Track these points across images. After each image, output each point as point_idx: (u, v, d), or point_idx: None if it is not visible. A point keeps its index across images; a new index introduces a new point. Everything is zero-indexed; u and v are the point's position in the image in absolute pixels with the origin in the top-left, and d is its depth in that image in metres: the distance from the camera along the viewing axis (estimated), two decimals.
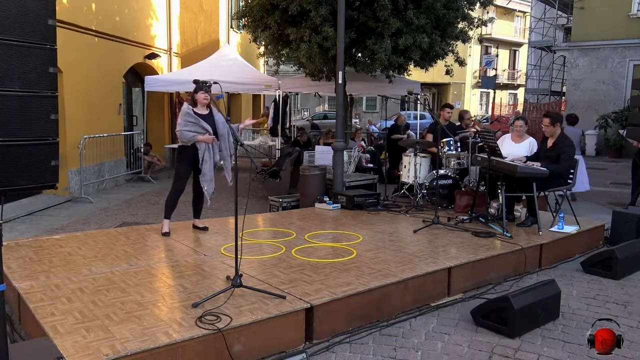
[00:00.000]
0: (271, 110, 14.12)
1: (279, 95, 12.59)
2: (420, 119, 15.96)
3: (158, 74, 12.80)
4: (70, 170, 9.16)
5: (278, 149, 11.82)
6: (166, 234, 5.57)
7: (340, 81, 7.63)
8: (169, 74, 12.94)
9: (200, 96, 5.38)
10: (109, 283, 4.04)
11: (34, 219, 7.66)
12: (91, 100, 9.78)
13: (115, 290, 3.89)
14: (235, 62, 12.72)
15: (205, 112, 5.48)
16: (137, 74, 12.73)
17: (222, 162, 5.58)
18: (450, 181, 7.57)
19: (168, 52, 13.71)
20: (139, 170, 11.49)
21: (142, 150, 11.57)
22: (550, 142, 6.36)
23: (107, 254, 4.87)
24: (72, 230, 6.85)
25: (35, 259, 4.65)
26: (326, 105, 37.39)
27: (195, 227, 5.90)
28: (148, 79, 11.46)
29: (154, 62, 12.75)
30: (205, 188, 5.49)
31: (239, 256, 3.83)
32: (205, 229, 5.86)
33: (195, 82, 5.23)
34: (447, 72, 10.11)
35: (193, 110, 5.40)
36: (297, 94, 17.76)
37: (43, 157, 2.57)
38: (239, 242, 3.87)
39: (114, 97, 10.90)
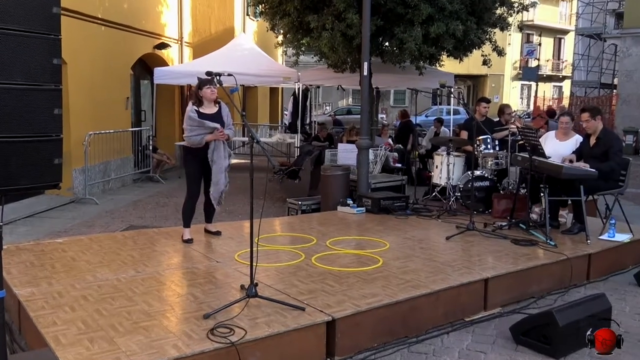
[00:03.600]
0: (290, 105, 14.17)
1: (298, 89, 12.62)
2: (453, 114, 15.81)
3: (168, 65, 12.94)
4: (74, 169, 9.30)
5: (297, 147, 11.84)
6: (188, 241, 5.56)
7: (365, 73, 7.61)
8: (180, 66, 13.07)
9: (207, 91, 5.31)
10: (114, 291, 4.10)
11: (35, 221, 7.80)
12: (97, 93, 9.93)
13: (121, 298, 3.94)
14: (252, 52, 12.79)
15: (213, 110, 5.41)
16: (145, 66, 12.89)
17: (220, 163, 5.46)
18: (487, 183, 7.51)
19: (179, 42, 13.86)
20: (148, 169, 11.62)
21: (149, 146, 11.67)
22: (592, 139, 6.25)
23: (113, 259, 4.94)
24: (75, 233, 6.96)
25: (37, 264, 4.74)
26: (350, 99, 37.31)
27: (207, 231, 5.94)
28: (157, 70, 11.58)
29: (163, 53, 12.90)
30: (213, 194, 5.49)
31: (254, 263, 3.85)
32: (217, 233, 5.90)
33: (208, 74, 5.24)
34: (484, 63, 10.01)
35: (198, 111, 5.33)
36: (318, 87, 17.77)
37: (46, 155, 2.61)
38: (254, 248, 3.88)
39: (121, 90, 11.06)
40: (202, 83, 5.33)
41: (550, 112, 10.40)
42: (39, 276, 4.40)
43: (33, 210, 8.20)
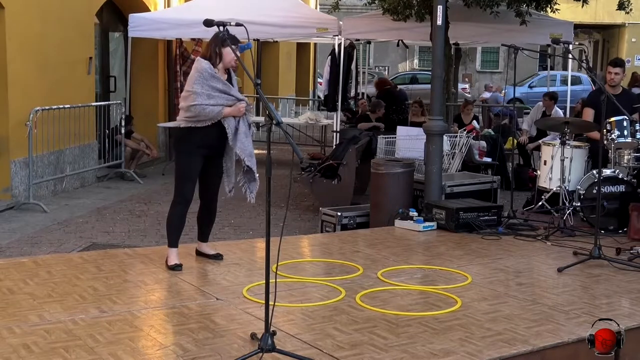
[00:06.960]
0: (326, 70, 14.17)
1: (339, 45, 12.60)
2: (572, 84, 15.62)
3: (149, 10, 13.04)
4: (14, 161, 9.43)
5: (336, 131, 11.85)
6: (176, 267, 5.62)
7: (439, 22, 7.57)
8: (167, 11, 13.19)
9: (230, 56, 5.45)
10: (69, 338, 4.16)
11: None
12: (47, 52, 10.06)
13: (79, 349, 4.00)
14: None
15: (224, 76, 5.59)
16: (117, 11, 13.02)
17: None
18: (622, 188, 7.43)
19: None
20: (119, 162, 11.73)
21: (121, 129, 11.77)
22: None
23: (68, 292, 5.02)
24: (14, 254, 7.10)
25: None
26: (416, 62, 37.20)
27: (201, 254, 6.01)
28: (134, 18, 11.71)
29: None
30: (253, 167, 5.48)
31: (270, 302, 3.87)
32: (218, 257, 5.95)
33: (207, 23, 5.28)
34: (621, 7, 9.84)
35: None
36: (369, 43, 17.69)
37: None
38: (271, 280, 3.92)
39: (81, 47, 11.18)
40: (224, 38, 5.39)
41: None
42: None
43: None
